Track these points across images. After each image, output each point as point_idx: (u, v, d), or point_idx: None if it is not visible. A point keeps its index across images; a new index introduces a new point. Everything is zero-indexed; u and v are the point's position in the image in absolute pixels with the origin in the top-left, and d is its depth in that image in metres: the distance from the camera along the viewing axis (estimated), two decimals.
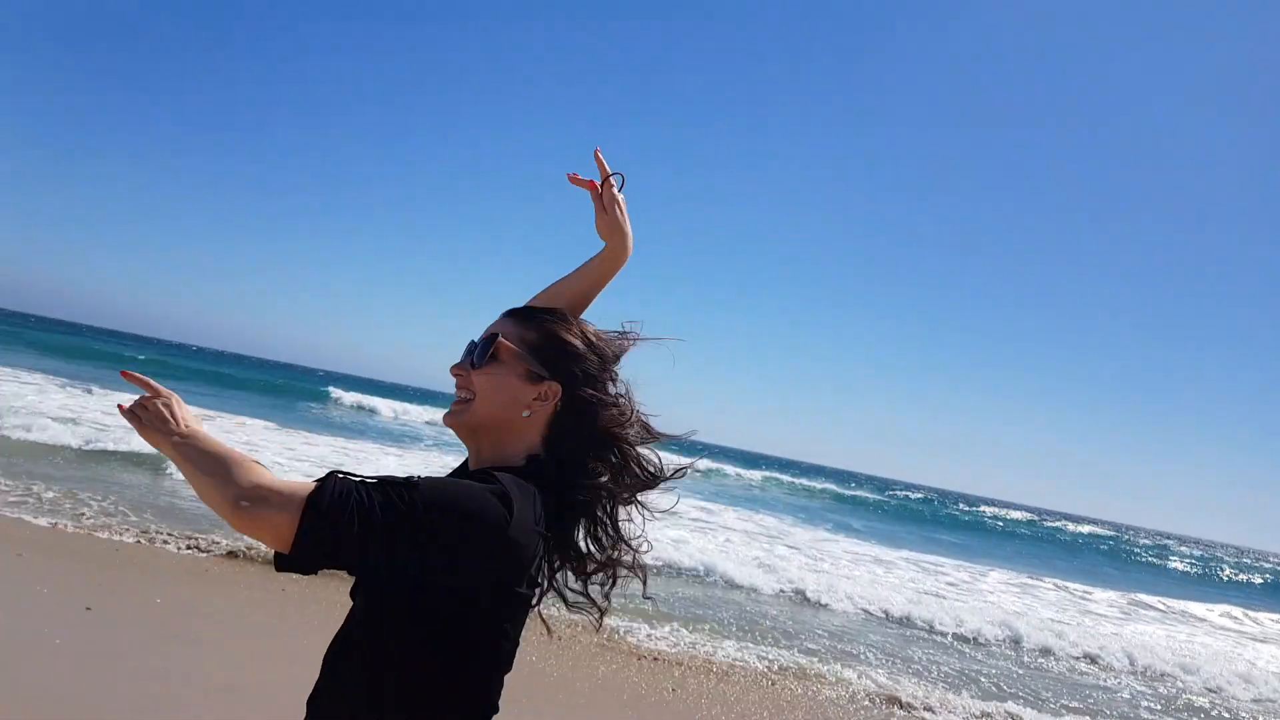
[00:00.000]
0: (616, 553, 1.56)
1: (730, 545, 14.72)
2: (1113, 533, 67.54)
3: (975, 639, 10.57)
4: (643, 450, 1.57)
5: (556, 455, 1.50)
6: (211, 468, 1.23)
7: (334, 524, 1.18)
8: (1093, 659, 10.64)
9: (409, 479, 1.26)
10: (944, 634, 10.58)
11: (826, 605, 10.82)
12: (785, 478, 45.67)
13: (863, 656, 8.68)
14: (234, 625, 5.82)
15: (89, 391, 20.27)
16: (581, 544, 1.55)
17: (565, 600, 1.58)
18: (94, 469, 10.78)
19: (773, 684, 7.02)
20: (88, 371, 27.79)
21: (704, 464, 38.74)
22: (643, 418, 1.58)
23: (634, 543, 1.59)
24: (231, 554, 7.58)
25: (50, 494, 8.78)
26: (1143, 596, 19.53)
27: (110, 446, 11.90)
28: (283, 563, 1.22)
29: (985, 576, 17.96)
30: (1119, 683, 9.87)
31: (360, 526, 1.19)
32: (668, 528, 15.48)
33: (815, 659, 8.11)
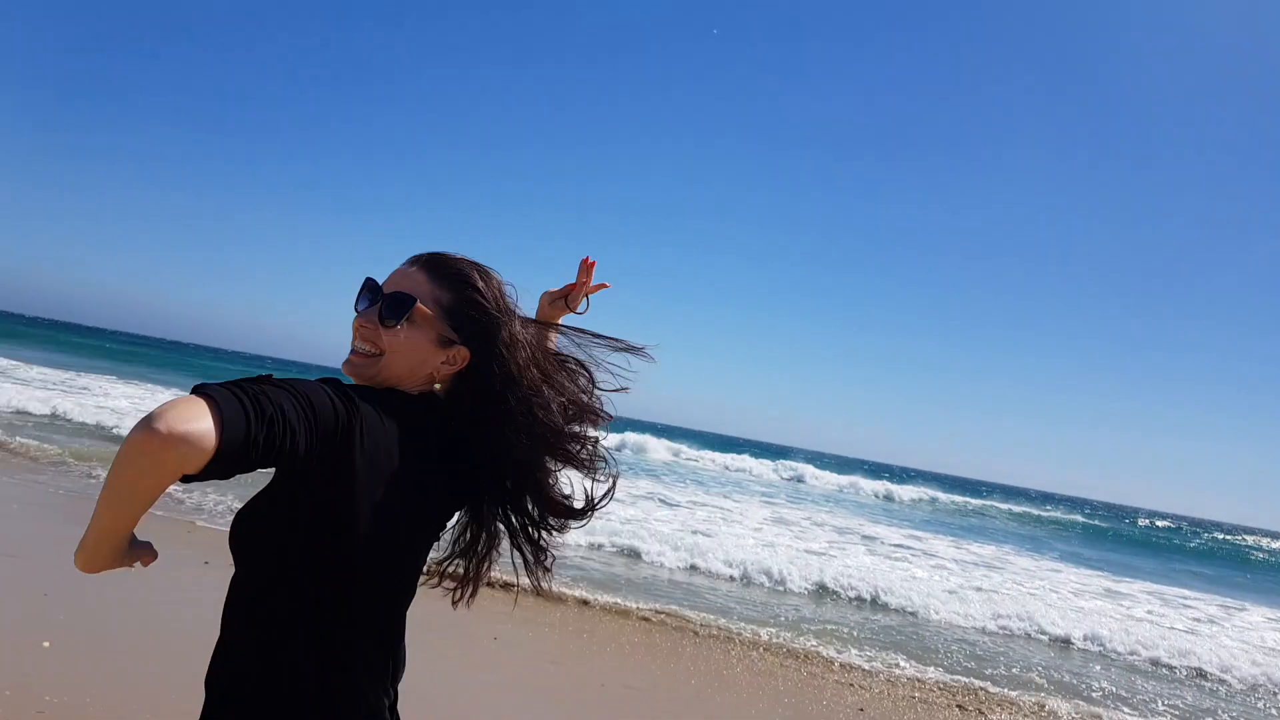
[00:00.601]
0: (499, 522, 1.60)
1: (937, 573, 14.13)
2: None
3: (1221, 678, 9.57)
4: (548, 425, 1.54)
5: (455, 412, 1.52)
6: (117, 465, 1.15)
7: (254, 414, 1.17)
8: None
9: (268, 375, 1.27)
10: (1179, 669, 9.65)
11: (1041, 637, 10.15)
12: (1005, 505, 43.17)
13: (1081, 690, 8.09)
14: (418, 636, 6.22)
15: None
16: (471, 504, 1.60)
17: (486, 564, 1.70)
18: None
19: (980, 712, 6.68)
20: None
21: (806, 469, 36.88)
22: (551, 392, 1.57)
23: (538, 518, 1.62)
24: (444, 574, 8.04)
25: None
26: None
27: None
28: (209, 468, 1.15)
29: (1242, 612, 16.21)
30: None
31: (282, 416, 1.19)
32: (868, 554, 15.06)
33: (1027, 690, 7.65)
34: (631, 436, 39.79)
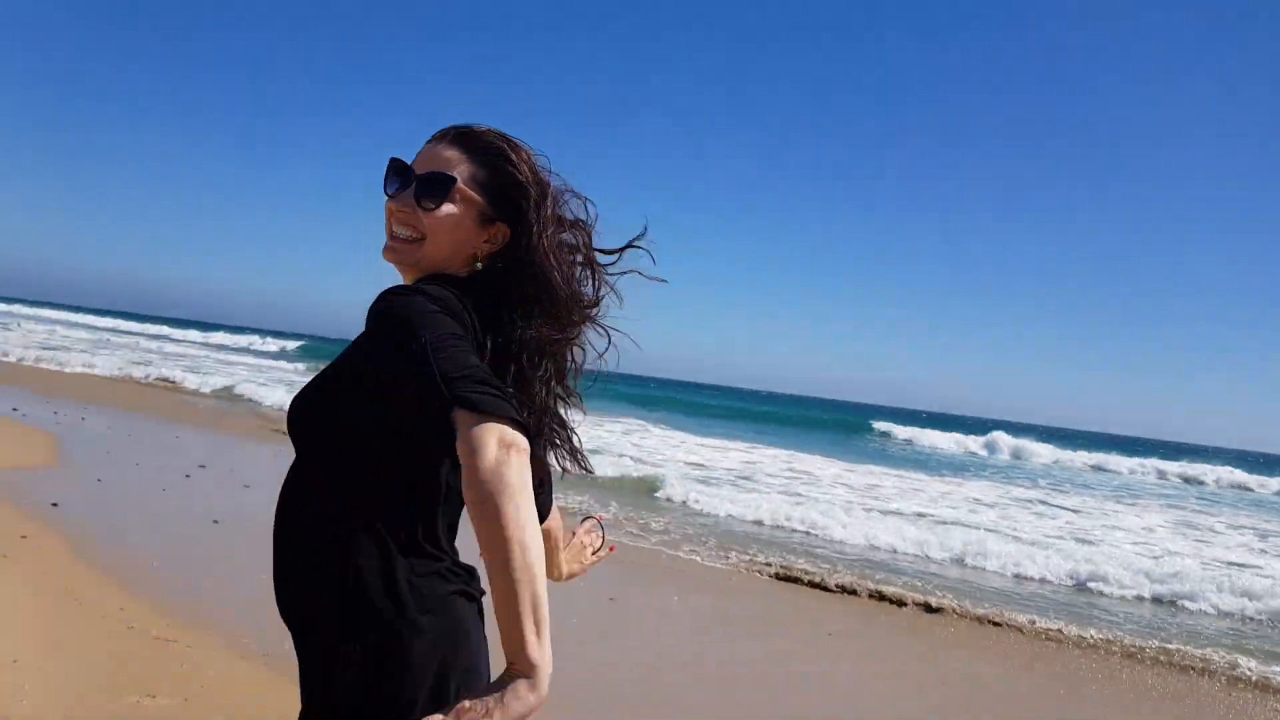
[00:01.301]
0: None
1: None
2: None
3: None
4: (574, 305, 1.51)
5: (489, 293, 1.47)
6: (519, 496, 1.18)
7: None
8: None
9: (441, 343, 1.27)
10: None
11: None
12: None
13: None
14: (735, 628, 6.32)
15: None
16: None
17: None
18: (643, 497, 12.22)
19: None
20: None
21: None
22: (579, 271, 1.54)
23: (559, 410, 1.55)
24: (784, 576, 8.08)
25: (616, 514, 10.19)
26: None
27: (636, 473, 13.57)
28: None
29: None
30: None
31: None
32: None
33: None
34: (1004, 438, 37.34)
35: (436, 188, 1.46)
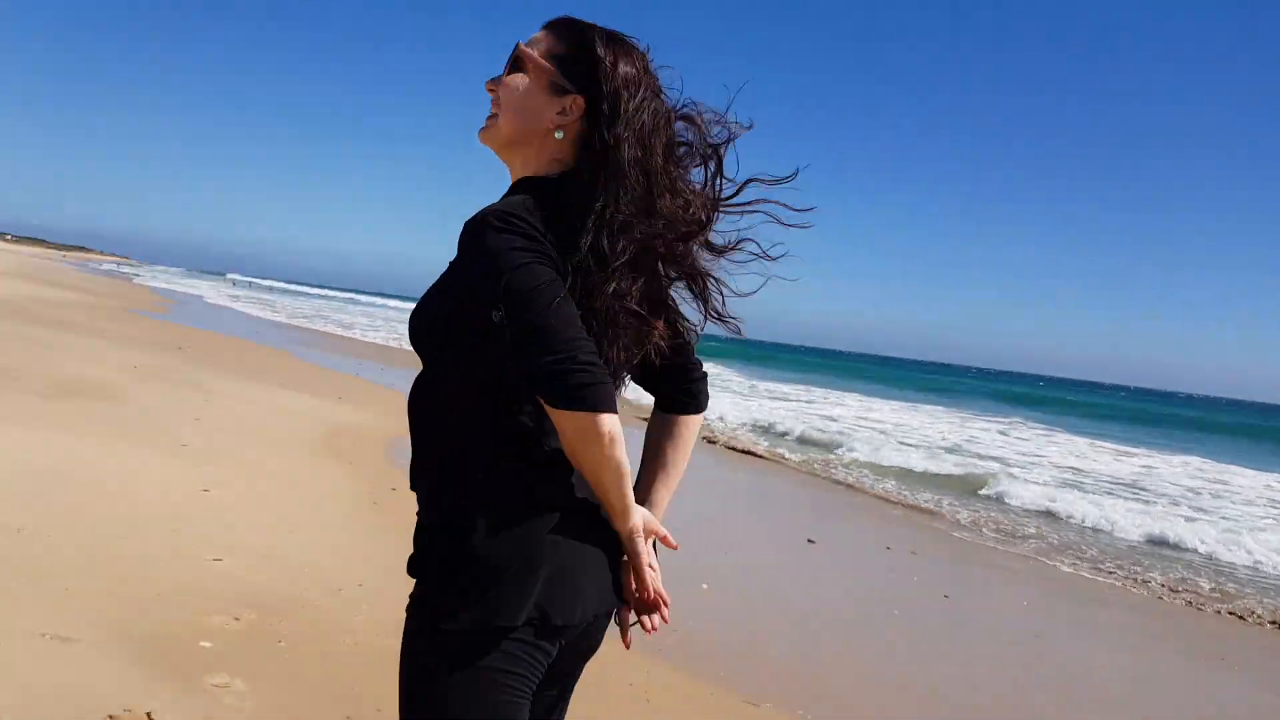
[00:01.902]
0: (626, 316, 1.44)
1: None
2: None
3: None
4: (660, 187, 1.44)
5: (575, 186, 1.43)
6: (616, 478, 1.36)
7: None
8: None
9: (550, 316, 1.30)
10: None
11: None
12: None
13: None
14: (1091, 641, 5.82)
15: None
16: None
17: None
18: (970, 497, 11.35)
19: None
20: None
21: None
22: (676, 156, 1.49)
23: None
24: (1171, 595, 7.29)
25: (964, 515, 9.63)
26: None
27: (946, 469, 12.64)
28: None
29: None
30: None
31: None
32: None
33: None
34: None
35: (512, 62, 1.54)
